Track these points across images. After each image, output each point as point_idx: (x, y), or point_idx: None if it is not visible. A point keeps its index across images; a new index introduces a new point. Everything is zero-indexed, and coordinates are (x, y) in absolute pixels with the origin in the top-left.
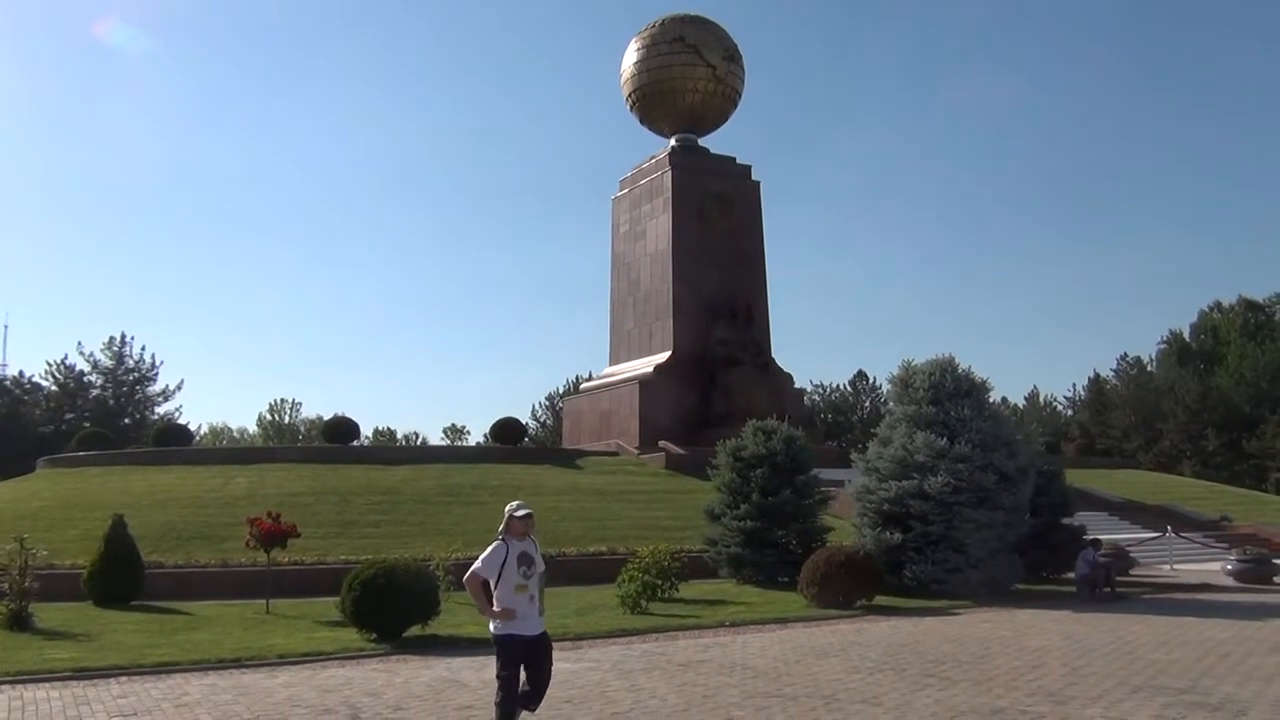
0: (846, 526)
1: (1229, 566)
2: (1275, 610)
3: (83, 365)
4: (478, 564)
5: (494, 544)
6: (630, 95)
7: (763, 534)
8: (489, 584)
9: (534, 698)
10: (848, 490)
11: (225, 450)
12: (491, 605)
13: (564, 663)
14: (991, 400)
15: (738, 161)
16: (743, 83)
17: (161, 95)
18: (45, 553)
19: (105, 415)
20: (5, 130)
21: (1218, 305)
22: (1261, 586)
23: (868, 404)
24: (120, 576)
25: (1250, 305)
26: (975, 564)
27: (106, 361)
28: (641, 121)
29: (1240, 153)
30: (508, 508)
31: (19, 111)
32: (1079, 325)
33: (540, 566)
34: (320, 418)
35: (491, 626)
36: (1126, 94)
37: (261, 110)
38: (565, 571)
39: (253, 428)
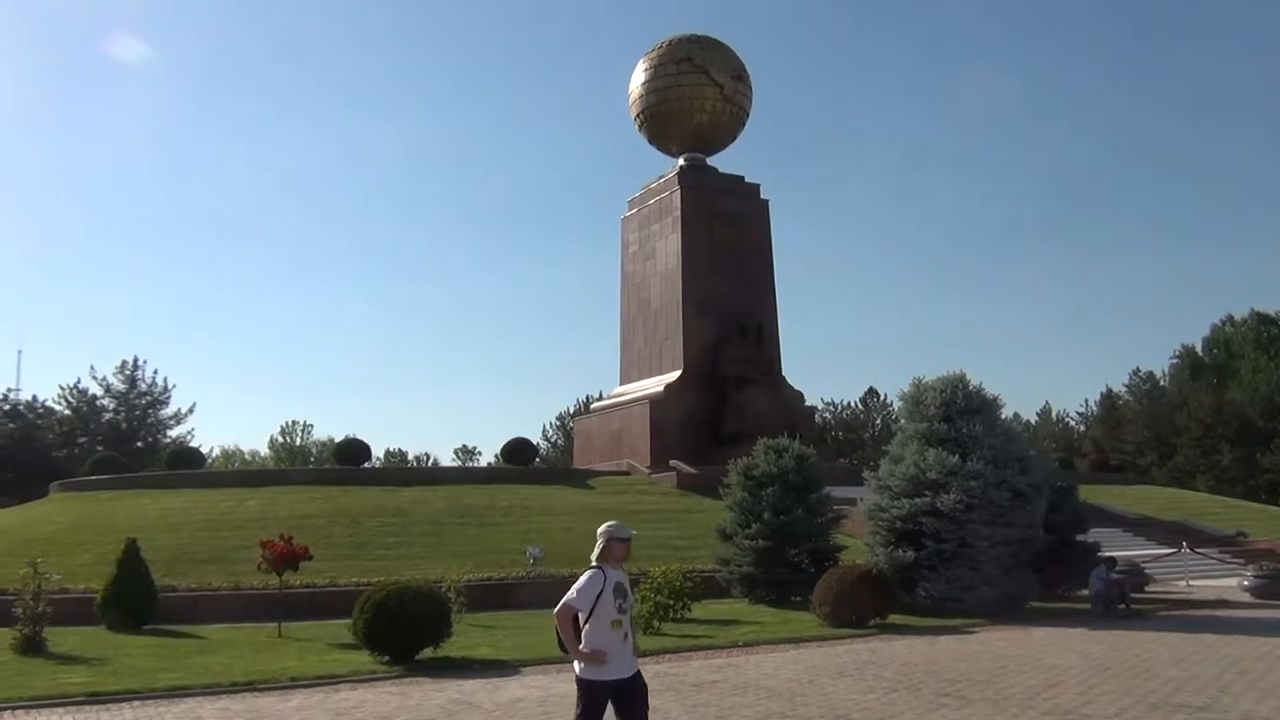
0: (859, 545)
1: (1246, 582)
2: None
3: (95, 389)
4: (572, 595)
5: (589, 572)
6: (639, 115)
7: (775, 553)
8: (578, 618)
9: None
10: (860, 508)
11: (237, 473)
12: (580, 643)
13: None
14: (1003, 416)
15: (746, 180)
16: (751, 102)
17: (174, 119)
18: (58, 577)
19: (118, 439)
20: (17, 153)
21: (1230, 319)
22: (1278, 602)
23: (879, 421)
24: (133, 600)
25: (1263, 318)
26: (989, 581)
27: (119, 385)
28: (650, 141)
29: (1252, 165)
30: (606, 528)
31: (31, 134)
32: (1091, 340)
33: (632, 599)
34: (332, 440)
35: (576, 667)
36: (1136, 107)
37: (274, 134)
38: None
39: (264, 450)
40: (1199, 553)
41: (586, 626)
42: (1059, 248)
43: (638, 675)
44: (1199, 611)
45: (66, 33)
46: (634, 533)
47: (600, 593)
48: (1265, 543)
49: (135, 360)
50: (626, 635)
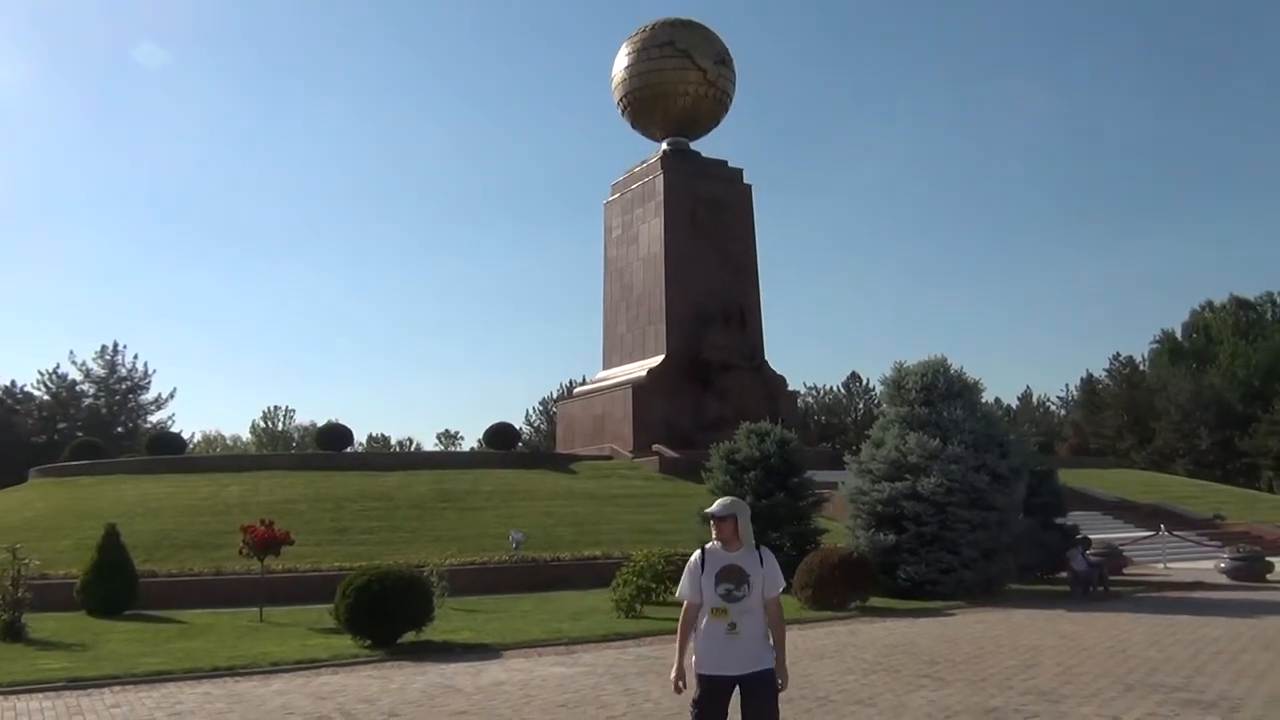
0: (840, 528)
1: (1222, 564)
2: (1268, 607)
3: (75, 374)
4: (679, 587)
5: (693, 554)
6: (621, 100)
7: (757, 536)
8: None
9: None
10: (841, 492)
11: (218, 458)
12: (689, 641)
13: (558, 667)
14: (984, 401)
15: (729, 165)
16: (734, 86)
17: (156, 104)
18: (38, 563)
19: (98, 424)
20: None
21: (1209, 304)
22: (1254, 584)
23: (861, 406)
24: (113, 586)
25: (1242, 304)
26: (969, 564)
27: (99, 370)
28: (633, 125)
29: (1231, 153)
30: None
31: (11, 119)
32: (1071, 325)
33: (767, 589)
34: (314, 424)
35: (695, 665)
36: (1115, 97)
37: (254, 119)
38: (559, 576)
39: (246, 435)
40: (1177, 535)
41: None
42: (1040, 234)
43: (760, 675)
44: (1176, 593)
45: (54, 22)
46: (728, 511)
47: (700, 577)
48: (1241, 525)
49: (115, 345)
50: (734, 625)
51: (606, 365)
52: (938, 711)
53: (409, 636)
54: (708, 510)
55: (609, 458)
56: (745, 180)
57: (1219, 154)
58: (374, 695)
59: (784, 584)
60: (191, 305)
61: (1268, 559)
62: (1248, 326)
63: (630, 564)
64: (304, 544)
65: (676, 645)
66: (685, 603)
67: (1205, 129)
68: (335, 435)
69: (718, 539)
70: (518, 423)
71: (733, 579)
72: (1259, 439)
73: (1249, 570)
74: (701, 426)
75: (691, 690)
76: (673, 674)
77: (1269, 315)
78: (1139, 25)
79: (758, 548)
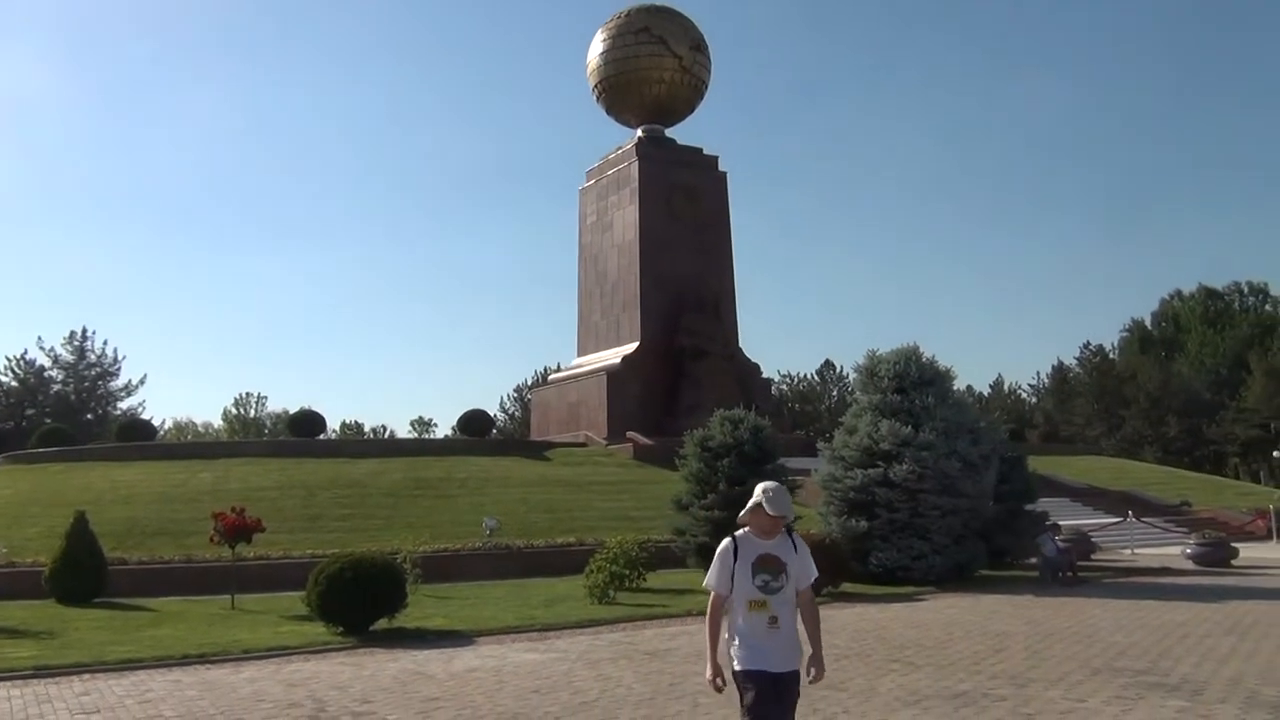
0: (814, 515)
1: (1188, 550)
2: (1233, 592)
3: (43, 360)
4: (708, 576)
5: (723, 541)
6: (597, 86)
7: (730, 523)
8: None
9: None
10: (814, 479)
11: (189, 445)
12: (721, 634)
13: (531, 653)
14: (955, 389)
15: (704, 152)
16: (709, 73)
17: (124, 85)
18: (5, 550)
19: (67, 411)
20: None
21: (1178, 294)
22: (1220, 569)
23: (835, 393)
24: (82, 574)
25: (1210, 293)
26: (940, 550)
27: (68, 356)
28: (608, 112)
29: (1203, 144)
30: (761, 489)
31: None
32: (1043, 314)
33: (800, 579)
34: (286, 411)
35: (735, 664)
36: (1095, 92)
37: (226, 101)
38: (533, 563)
39: (218, 422)
40: (1144, 522)
41: (732, 611)
42: (1014, 224)
43: (793, 675)
44: (1143, 579)
45: (42, 12)
46: (790, 508)
47: (733, 567)
48: (1208, 512)
49: (84, 331)
50: (774, 618)
51: (581, 352)
52: (907, 695)
53: (382, 623)
54: (771, 513)
55: (583, 445)
56: (720, 168)
57: (1194, 145)
58: (346, 682)
59: (816, 573)
60: (162, 291)
61: (1233, 545)
62: (1216, 316)
63: (604, 550)
64: (276, 531)
65: (708, 641)
66: (713, 595)
67: (1184, 121)
68: (308, 422)
69: (760, 529)
70: (492, 410)
71: (770, 569)
72: (1226, 427)
73: (1214, 556)
74: (676, 413)
75: (731, 691)
76: (709, 672)
77: (1236, 305)
78: (1120, 15)
79: (789, 534)
